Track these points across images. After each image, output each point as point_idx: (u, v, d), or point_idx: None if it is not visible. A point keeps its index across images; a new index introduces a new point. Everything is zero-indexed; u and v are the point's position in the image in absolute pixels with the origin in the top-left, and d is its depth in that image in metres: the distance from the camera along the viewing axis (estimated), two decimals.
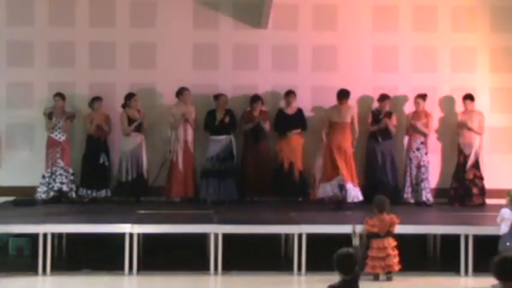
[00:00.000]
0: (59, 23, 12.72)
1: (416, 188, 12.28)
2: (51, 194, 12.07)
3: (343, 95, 12.16)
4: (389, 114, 12.51)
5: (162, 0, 12.84)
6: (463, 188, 12.30)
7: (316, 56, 12.89)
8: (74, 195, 12.15)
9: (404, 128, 12.57)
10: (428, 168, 12.31)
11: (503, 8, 13.01)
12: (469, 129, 12.31)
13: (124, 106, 12.38)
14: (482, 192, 12.32)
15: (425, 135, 12.37)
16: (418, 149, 12.35)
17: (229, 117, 12.30)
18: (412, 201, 12.27)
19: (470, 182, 12.27)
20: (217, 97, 12.43)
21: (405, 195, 12.29)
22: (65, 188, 12.09)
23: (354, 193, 11.76)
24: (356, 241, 6.34)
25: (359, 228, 9.45)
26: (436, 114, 12.73)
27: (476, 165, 12.34)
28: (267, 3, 12.27)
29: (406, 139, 12.55)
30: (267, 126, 12.43)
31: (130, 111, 12.37)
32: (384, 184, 12.14)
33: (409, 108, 12.75)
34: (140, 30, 12.80)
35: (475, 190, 12.27)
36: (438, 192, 12.60)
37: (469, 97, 12.44)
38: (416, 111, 12.49)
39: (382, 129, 12.40)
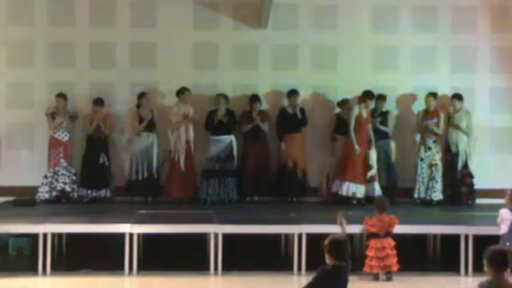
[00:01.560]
0: (59, 23, 12.72)
1: (428, 187, 12.27)
2: (54, 194, 12.07)
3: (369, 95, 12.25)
4: (384, 114, 12.50)
5: (162, 0, 12.85)
6: (452, 187, 12.30)
7: (316, 56, 12.89)
8: (75, 195, 12.16)
9: (414, 127, 12.57)
10: (440, 167, 12.29)
11: (503, 8, 13.00)
12: (457, 127, 12.29)
13: (138, 105, 12.37)
14: (471, 190, 12.31)
15: (436, 134, 12.35)
16: (430, 148, 12.33)
17: (228, 117, 12.29)
18: (421, 200, 12.28)
19: (459, 181, 12.27)
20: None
21: (415, 195, 12.29)
22: (67, 188, 12.09)
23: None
24: (343, 230, 6.24)
25: (358, 228, 9.52)
26: None
27: (465, 164, 12.32)
28: (267, 3, 12.26)
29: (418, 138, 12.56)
30: (266, 126, 12.43)
31: (143, 110, 12.37)
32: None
33: (415, 107, 12.76)
34: (140, 30, 12.80)
35: (464, 189, 12.27)
36: None
37: (456, 96, 12.41)
38: (428, 110, 12.46)
39: (374, 129, 12.40)
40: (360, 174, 12.02)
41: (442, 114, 12.39)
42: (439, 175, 12.25)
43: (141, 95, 12.36)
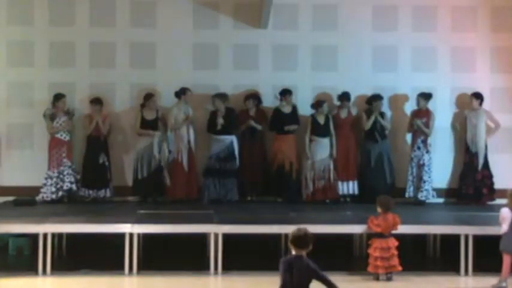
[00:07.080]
0: (59, 23, 12.73)
1: (418, 187, 12.28)
2: (60, 193, 12.06)
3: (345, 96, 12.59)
4: (382, 114, 12.54)
5: (162, 0, 12.85)
6: (473, 188, 12.33)
7: (316, 56, 12.89)
8: (79, 195, 12.18)
9: (406, 126, 12.64)
10: (430, 167, 12.30)
11: (503, 8, 13.01)
12: (475, 127, 12.35)
13: (143, 106, 12.36)
14: (492, 191, 12.33)
15: (425, 133, 12.36)
16: (419, 148, 12.36)
17: (227, 118, 12.25)
18: (412, 199, 12.29)
19: (480, 182, 12.30)
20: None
21: (407, 194, 12.31)
22: (74, 187, 12.10)
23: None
24: None
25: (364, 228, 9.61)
26: (438, 114, 12.68)
27: (485, 164, 12.36)
28: (267, 3, 12.27)
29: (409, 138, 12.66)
30: (261, 126, 12.41)
31: (147, 111, 12.36)
32: (375, 184, 12.21)
33: (409, 107, 12.79)
34: (140, 30, 12.80)
35: (485, 190, 12.31)
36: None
37: (474, 95, 12.48)
38: (419, 110, 12.49)
39: (375, 128, 12.49)
40: (347, 173, 12.32)
41: (432, 114, 12.43)
42: (427, 175, 12.26)
43: (147, 97, 12.32)
